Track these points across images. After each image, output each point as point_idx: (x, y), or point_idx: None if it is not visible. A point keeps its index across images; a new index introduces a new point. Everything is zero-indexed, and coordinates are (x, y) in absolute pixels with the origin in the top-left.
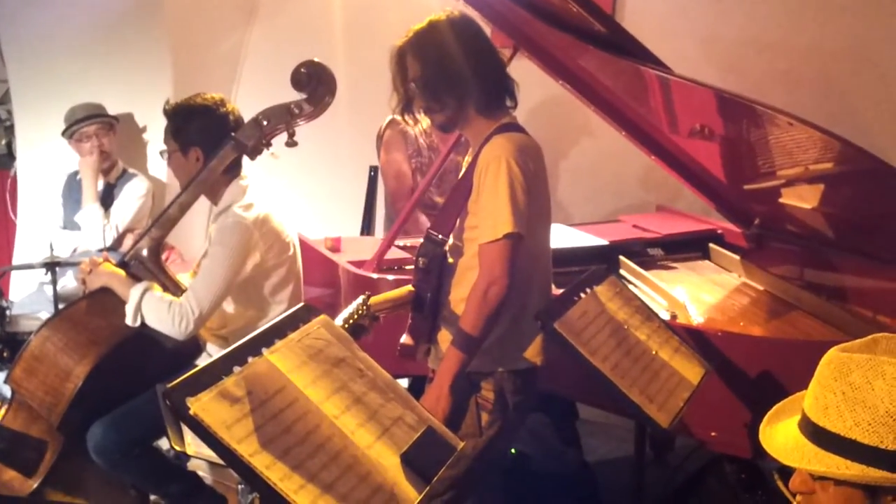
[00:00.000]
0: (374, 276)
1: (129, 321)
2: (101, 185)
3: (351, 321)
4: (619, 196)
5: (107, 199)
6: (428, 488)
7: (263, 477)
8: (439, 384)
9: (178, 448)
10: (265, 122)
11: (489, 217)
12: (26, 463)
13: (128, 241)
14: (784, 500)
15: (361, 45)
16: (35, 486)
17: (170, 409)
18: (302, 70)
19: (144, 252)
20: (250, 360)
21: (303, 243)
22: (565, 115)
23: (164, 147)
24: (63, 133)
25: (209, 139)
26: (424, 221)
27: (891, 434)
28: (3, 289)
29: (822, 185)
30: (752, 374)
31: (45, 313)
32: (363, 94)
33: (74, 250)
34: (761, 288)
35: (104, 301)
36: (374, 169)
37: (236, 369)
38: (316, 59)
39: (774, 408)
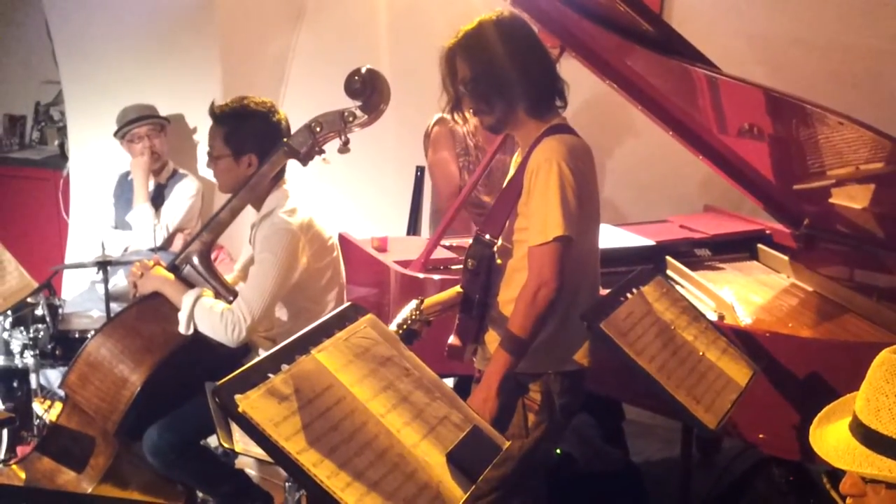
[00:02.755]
0: (421, 275)
1: (182, 330)
2: (151, 185)
3: (405, 326)
4: (667, 196)
5: (157, 199)
6: (473, 488)
7: (311, 474)
8: (487, 385)
9: (226, 445)
10: (318, 129)
11: (539, 219)
12: (83, 464)
13: (178, 241)
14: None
15: (407, 45)
16: (90, 489)
17: (219, 407)
18: (356, 78)
19: (195, 256)
20: (298, 358)
21: (349, 243)
22: (612, 114)
23: (210, 150)
24: (115, 134)
25: (264, 145)
26: (470, 220)
27: None
28: (56, 287)
29: (873, 185)
30: (800, 375)
31: (97, 311)
32: (409, 94)
33: (125, 250)
34: (810, 289)
35: (157, 307)
36: (420, 169)
37: (284, 367)
38: (370, 67)
39: (825, 409)
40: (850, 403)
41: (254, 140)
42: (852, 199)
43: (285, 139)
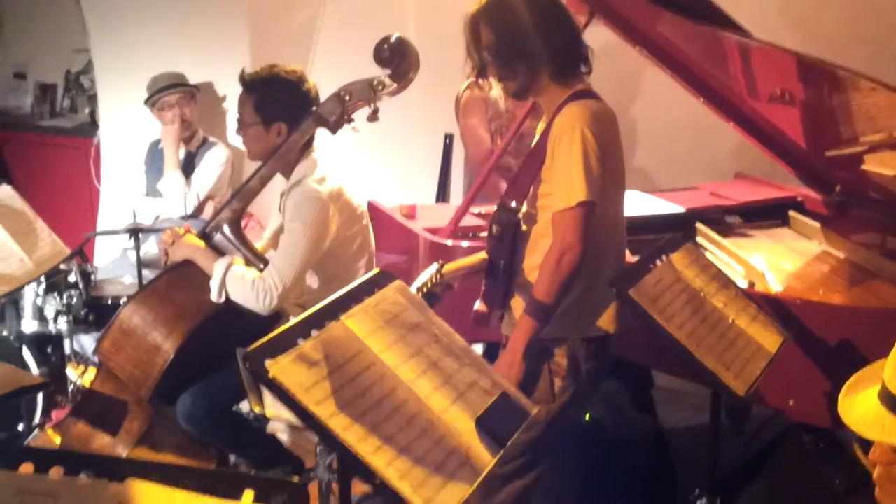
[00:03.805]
0: (449, 242)
1: (213, 298)
2: (182, 153)
3: (424, 289)
4: (697, 163)
5: (188, 167)
6: (502, 452)
7: (340, 439)
8: (512, 351)
9: (257, 410)
10: (347, 98)
11: (563, 185)
12: (117, 429)
13: (208, 209)
14: (863, 471)
15: (435, 12)
16: (125, 454)
17: (250, 373)
18: (385, 46)
19: (225, 224)
20: (327, 324)
21: (378, 210)
22: (642, 81)
23: (240, 117)
24: (145, 102)
25: (294, 114)
26: (504, 186)
27: None
28: (88, 254)
29: None
30: (831, 342)
31: (129, 278)
32: (438, 61)
33: (157, 217)
34: (842, 256)
35: (188, 274)
36: (448, 136)
37: (314, 333)
38: (399, 35)
39: (853, 377)
40: (879, 371)
41: (284, 108)
42: (885, 166)
43: (314, 108)
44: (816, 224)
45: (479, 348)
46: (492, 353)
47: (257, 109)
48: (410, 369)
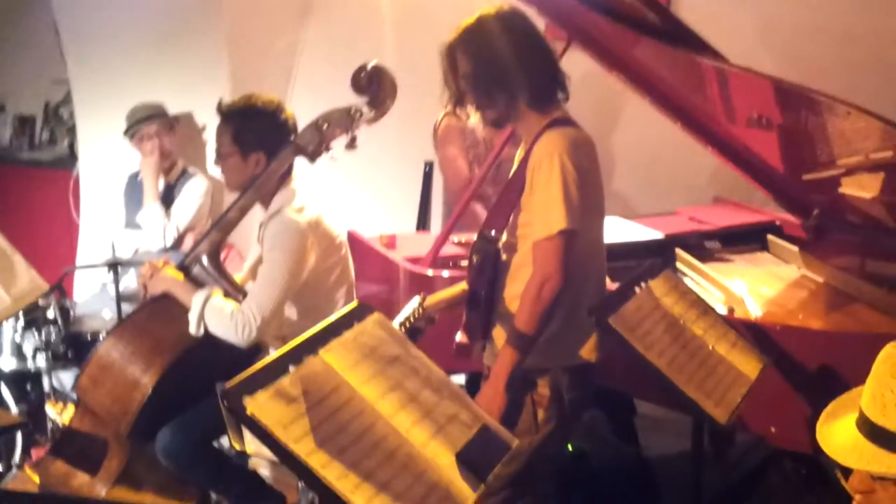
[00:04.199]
0: (430, 272)
1: (192, 330)
2: (161, 184)
3: (407, 324)
4: (676, 188)
5: (167, 198)
6: (483, 486)
7: (320, 476)
8: (495, 382)
9: (237, 447)
10: (325, 126)
11: (543, 214)
12: (96, 467)
13: (188, 241)
14: (846, 497)
15: (413, 40)
16: (104, 493)
17: (227, 410)
18: (362, 74)
19: (204, 256)
20: (306, 359)
21: (357, 240)
22: (621, 107)
23: (218, 148)
24: (124, 133)
25: (272, 143)
26: (483, 215)
27: None
28: (67, 289)
29: (883, 173)
30: (812, 368)
31: (109, 312)
32: (416, 89)
33: (136, 250)
34: (821, 280)
35: (167, 307)
36: (428, 164)
37: (292, 368)
38: (376, 63)
39: (830, 405)
40: (856, 398)
41: (262, 138)
42: (862, 189)
43: (293, 137)
44: (795, 248)
45: (461, 379)
46: (474, 384)
47: (235, 140)
48: (390, 403)
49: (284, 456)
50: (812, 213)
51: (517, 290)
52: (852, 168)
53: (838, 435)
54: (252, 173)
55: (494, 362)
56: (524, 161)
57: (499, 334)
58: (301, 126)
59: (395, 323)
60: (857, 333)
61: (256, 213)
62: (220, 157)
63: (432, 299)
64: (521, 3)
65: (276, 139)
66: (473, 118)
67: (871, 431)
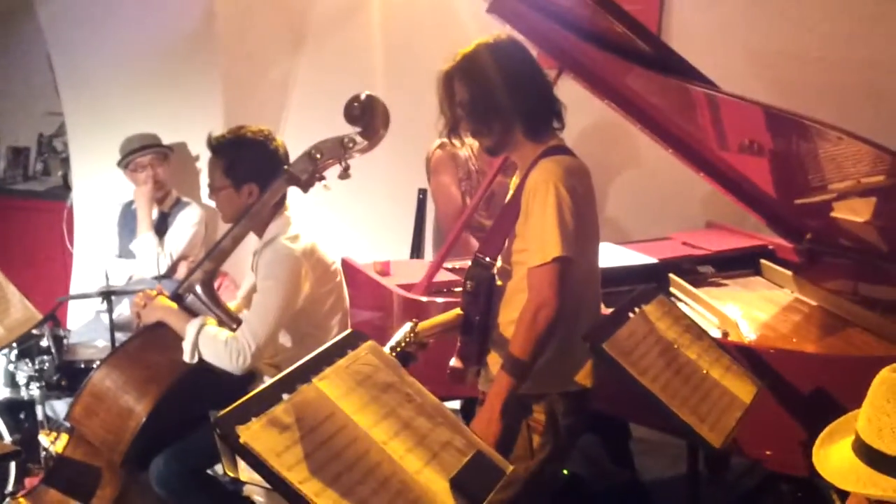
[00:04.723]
0: (424, 299)
1: (186, 358)
2: (155, 213)
3: (399, 349)
4: (669, 213)
5: (161, 227)
6: None
7: None
8: (490, 408)
9: (231, 474)
10: (318, 156)
11: (538, 241)
12: (90, 496)
13: (182, 269)
14: None
15: (405, 70)
16: None
17: (220, 438)
18: (355, 104)
19: (198, 285)
20: (299, 387)
21: (352, 267)
22: (614, 133)
23: (211, 182)
24: (118, 163)
25: (264, 173)
26: (475, 243)
27: None
28: (61, 318)
29: (875, 198)
30: (806, 391)
31: (102, 341)
32: (409, 118)
33: (130, 279)
34: (814, 303)
35: (161, 336)
36: (422, 192)
37: (285, 397)
38: (368, 93)
39: (827, 429)
40: (852, 422)
41: (253, 169)
42: (854, 213)
43: (286, 167)
44: (788, 272)
45: (456, 405)
46: (469, 409)
47: (227, 173)
48: (383, 430)
49: (278, 484)
50: (805, 237)
51: (512, 316)
52: (844, 193)
53: (835, 458)
54: (245, 204)
55: (489, 388)
56: (519, 188)
57: (493, 360)
58: (294, 155)
59: (387, 348)
60: (851, 357)
61: (251, 241)
62: (213, 191)
63: (425, 325)
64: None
65: (267, 169)
66: (465, 150)
67: (868, 455)
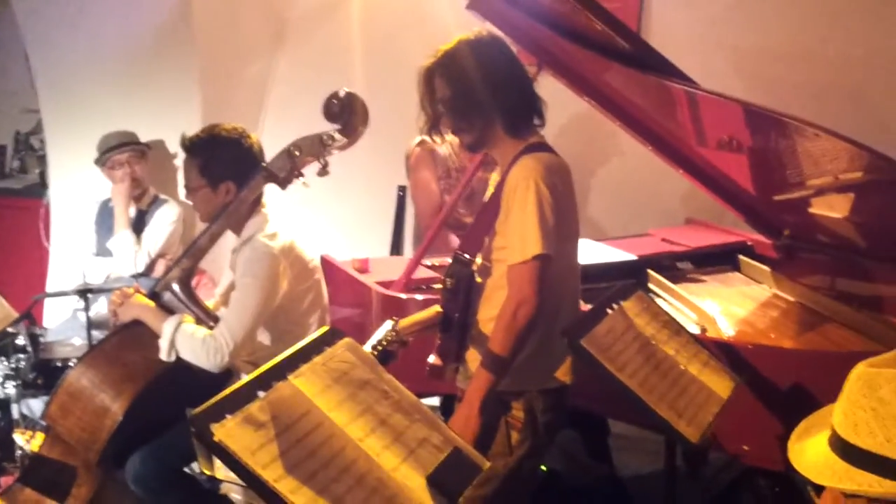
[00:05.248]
0: (403, 296)
1: (163, 356)
2: (133, 211)
3: (380, 347)
4: (648, 210)
5: (139, 225)
6: None
7: (289, 502)
8: (469, 405)
9: (207, 472)
10: (297, 153)
11: (518, 238)
12: (65, 494)
13: (159, 267)
14: None
15: (384, 67)
16: None
17: (195, 436)
18: (334, 101)
19: (175, 283)
20: (275, 384)
21: (331, 265)
22: (594, 130)
23: (187, 182)
24: (96, 161)
25: (240, 171)
26: (454, 240)
27: None
28: (37, 316)
29: (852, 194)
30: (784, 386)
31: (79, 339)
32: (388, 115)
33: (107, 277)
34: (792, 299)
35: (137, 334)
36: (402, 188)
37: (261, 394)
38: (347, 90)
39: (802, 423)
40: (828, 416)
41: (228, 167)
42: (831, 209)
43: (264, 164)
44: (766, 268)
45: (435, 401)
46: (449, 406)
47: (202, 172)
48: (360, 427)
49: (253, 482)
50: (783, 233)
51: (491, 313)
52: (822, 189)
53: (810, 453)
54: (223, 202)
55: (468, 385)
56: (500, 185)
57: (472, 357)
58: (273, 153)
59: (368, 346)
60: (828, 352)
61: (229, 238)
62: (190, 191)
63: (405, 322)
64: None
65: (242, 167)
66: (445, 147)
67: (843, 449)
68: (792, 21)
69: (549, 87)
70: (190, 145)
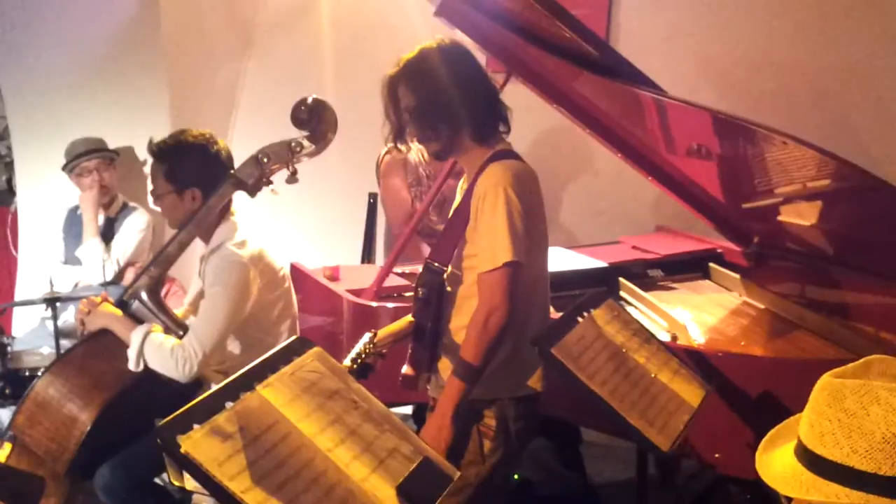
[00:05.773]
0: (374, 304)
1: (131, 367)
2: (101, 219)
3: (359, 360)
4: (618, 217)
5: (107, 233)
6: None
7: None
8: (441, 414)
9: (177, 483)
10: (265, 160)
11: (488, 246)
12: None
13: (129, 275)
14: None
15: (354, 73)
16: None
17: (161, 448)
18: (302, 108)
19: (143, 291)
20: (243, 395)
21: (301, 273)
22: (563, 138)
23: (154, 189)
24: (63, 168)
25: (207, 178)
26: (426, 248)
27: (888, 460)
28: (5, 325)
29: (820, 201)
30: (754, 394)
31: (47, 348)
32: (358, 122)
33: (76, 285)
34: (762, 306)
35: (105, 343)
36: (373, 196)
37: (228, 405)
38: (316, 97)
39: (769, 434)
40: (794, 427)
41: (195, 173)
42: (800, 216)
43: (232, 171)
44: (736, 276)
45: (408, 410)
46: (420, 415)
47: (168, 178)
48: (329, 438)
49: (220, 494)
50: (752, 240)
51: (462, 322)
52: (790, 196)
53: (777, 463)
54: (189, 209)
55: (440, 394)
56: (468, 193)
57: (444, 366)
58: (242, 159)
59: (348, 359)
60: (797, 360)
61: (198, 246)
62: (156, 197)
63: (381, 333)
64: (462, 37)
65: (210, 173)
66: (414, 153)
67: (810, 460)
68: (760, 29)
69: (519, 96)
70: (157, 150)
